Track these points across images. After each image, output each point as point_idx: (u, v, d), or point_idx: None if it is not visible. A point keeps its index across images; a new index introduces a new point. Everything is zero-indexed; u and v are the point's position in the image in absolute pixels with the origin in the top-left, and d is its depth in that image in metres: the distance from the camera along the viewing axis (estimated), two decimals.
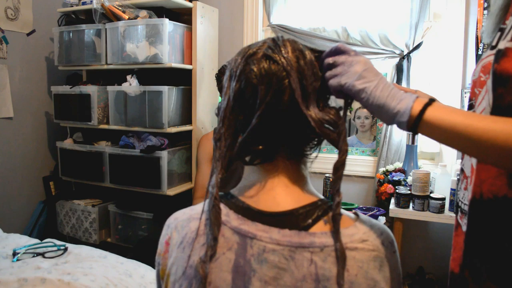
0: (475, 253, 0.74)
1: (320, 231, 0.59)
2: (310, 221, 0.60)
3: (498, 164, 0.60)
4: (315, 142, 0.66)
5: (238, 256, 0.57)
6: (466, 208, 0.79)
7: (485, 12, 2.02)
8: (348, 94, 0.62)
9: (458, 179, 0.86)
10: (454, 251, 0.87)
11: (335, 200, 0.60)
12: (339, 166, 0.60)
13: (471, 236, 0.76)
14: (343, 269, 0.56)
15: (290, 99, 0.60)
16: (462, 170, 0.83)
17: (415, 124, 0.58)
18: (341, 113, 0.63)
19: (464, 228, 0.80)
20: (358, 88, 0.60)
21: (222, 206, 0.62)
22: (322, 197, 0.65)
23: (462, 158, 0.85)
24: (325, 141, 0.65)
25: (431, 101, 0.59)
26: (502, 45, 0.67)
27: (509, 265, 0.68)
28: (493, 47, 0.75)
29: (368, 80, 0.60)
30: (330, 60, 0.63)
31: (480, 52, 2.05)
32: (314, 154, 0.67)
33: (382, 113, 0.60)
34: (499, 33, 0.74)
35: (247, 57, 0.63)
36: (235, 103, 0.62)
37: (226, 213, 0.61)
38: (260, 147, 0.62)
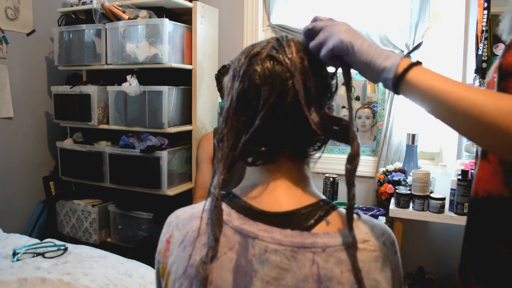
0: (467, 255, 0.73)
1: (322, 231, 0.58)
2: (312, 221, 0.59)
3: (469, 136, 0.58)
4: (319, 144, 0.66)
5: (239, 256, 0.57)
6: None
7: (485, 12, 2.02)
8: (342, 60, 0.61)
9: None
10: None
11: (350, 193, 0.59)
12: (354, 156, 0.58)
13: (465, 237, 0.75)
14: (356, 262, 0.56)
15: (293, 100, 0.60)
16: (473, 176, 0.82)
17: (398, 82, 0.57)
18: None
19: None
20: (345, 42, 0.59)
21: (223, 205, 0.61)
22: (324, 197, 0.65)
23: (475, 165, 0.83)
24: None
25: (418, 62, 0.58)
26: (509, 38, 0.67)
27: (498, 267, 0.66)
28: (509, 46, 0.74)
29: (354, 36, 0.59)
30: (309, 25, 0.63)
31: (480, 52, 2.05)
32: (317, 155, 0.67)
33: (369, 70, 0.59)
34: None
35: (251, 57, 0.62)
36: (238, 104, 0.62)
37: (228, 212, 0.61)
38: (263, 148, 0.62)
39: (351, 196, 0.59)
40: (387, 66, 0.57)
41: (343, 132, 0.61)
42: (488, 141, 0.55)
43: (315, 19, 0.64)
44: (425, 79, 0.56)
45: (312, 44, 0.62)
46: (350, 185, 0.59)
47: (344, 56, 0.60)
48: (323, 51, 0.61)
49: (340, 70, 0.64)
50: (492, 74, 0.76)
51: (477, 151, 0.83)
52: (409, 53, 2.18)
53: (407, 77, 0.56)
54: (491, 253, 0.67)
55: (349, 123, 0.60)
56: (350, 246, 0.57)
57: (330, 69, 0.67)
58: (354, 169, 0.59)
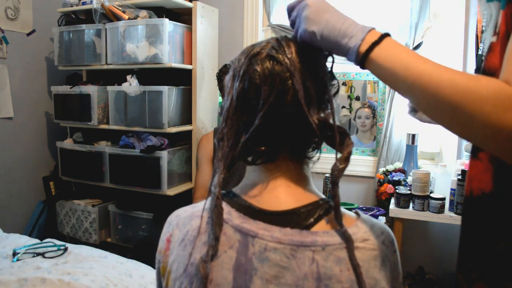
0: (467, 254, 0.73)
1: (322, 230, 0.59)
2: (311, 220, 0.60)
3: (428, 114, 0.58)
4: (318, 144, 0.66)
5: (239, 254, 0.57)
6: None
7: (484, 19, 2.02)
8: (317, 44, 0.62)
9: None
10: None
11: (335, 190, 0.60)
12: (347, 158, 0.59)
13: (463, 236, 0.75)
14: (355, 257, 0.56)
15: (293, 100, 0.60)
16: None
17: (362, 62, 0.58)
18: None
19: None
20: (309, 31, 0.60)
21: (224, 204, 0.62)
22: (323, 196, 0.65)
23: None
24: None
25: (382, 37, 0.58)
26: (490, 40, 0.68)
27: (499, 264, 0.67)
28: None
29: (316, 21, 0.60)
30: (290, 21, 0.66)
31: (480, 52, 2.05)
32: (316, 155, 0.67)
33: (336, 51, 0.61)
34: None
35: (251, 57, 0.63)
36: (238, 103, 0.62)
37: (228, 211, 0.61)
38: (263, 148, 0.62)
39: (335, 193, 0.60)
40: (351, 46, 0.58)
41: (341, 137, 0.61)
42: (443, 118, 0.55)
43: (288, 9, 0.67)
44: (386, 58, 0.56)
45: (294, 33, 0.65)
46: (336, 184, 0.60)
47: (312, 44, 0.62)
48: (298, 36, 0.63)
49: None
50: None
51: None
52: None
53: (370, 57, 0.57)
54: (491, 250, 0.67)
55: (347, 134, 0.62)
56: (349, 244, 0.57)
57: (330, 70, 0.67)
58: (343, 170, 0.59)
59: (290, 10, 0.66)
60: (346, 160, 0.59)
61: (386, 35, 0.58)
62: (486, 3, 0.75)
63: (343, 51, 0.59)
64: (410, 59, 0.55)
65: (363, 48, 0.57)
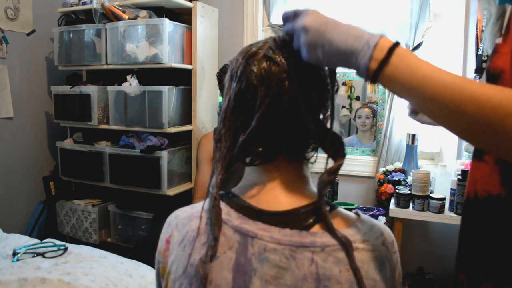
0: (471, 255, 0.73)
1: (321, 231, 0.59)
2: (311, 220, 0.59)
3: (453, 131, 0.55)
4: (315, 144, 0.66)
5: (239, 255, 0.57)
6: None
7: (484, 19, 2.02)
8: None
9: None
10: None
11: (322, 200, 0.60)
12: (336, 170, 0.59)
13: (465, 237, 0.75)
14: (354, 261, 0.56)
15: (290, 101, 0.60)
16: None
17: (374, 80, 0.55)
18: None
19: None
20: (311, 59, 0.58)
21: (223, 205, 0.61)
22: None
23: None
24: None
25: (391, 51, 0.54)
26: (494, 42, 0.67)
27: (508, 263, 0.67)
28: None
29: (318, 45, 0.56)
30: (285, 35, 0.62)
31: (480, 52, 2.05)
32: (315, 156, 0.67)
33: (344, 66, 0.57)
34: None
35: (248, 57, 0.62)
36: (236, 104, 0.62)
37: (227, 212, 0.61)
38: (261, 148, 0.62)
39: (322, 203, 0.60)
40: (360, 65, 0.55)
41: (336, 147, 0.61)
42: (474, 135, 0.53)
43: (284, 18, 0.63)
44: (398, 75, 0.53)
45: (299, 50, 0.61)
46: (323, 195, 0.60)
47: (320, 66, 0.60)
48: (304, 56, 0.60)
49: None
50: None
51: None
52: None
53: (381, 77, 0.54)
54: (499, 251, 0.67)
55: (342, 143, 0.61)
56: (347, 246, 0.57)
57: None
58: (328, 183, 0.59)
59: (285, 19, 0.63)
60: (333, 173, 0.59)
61: (395, 46, 0.54)
62: (487, 0, 0.75)
63: (352, 67, 0.56)
64: (425, 73, 0.51)
65: (373, 66, 0.54)
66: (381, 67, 0.53)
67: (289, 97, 0.60)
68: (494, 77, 0.64)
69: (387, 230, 0.64)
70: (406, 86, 0.53)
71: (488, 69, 0.66)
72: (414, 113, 1.06)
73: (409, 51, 0.55)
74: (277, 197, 0.62)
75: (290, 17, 0.61)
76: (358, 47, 0.54)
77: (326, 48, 0.56)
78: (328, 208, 0.62)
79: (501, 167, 0.67)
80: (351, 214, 0.65)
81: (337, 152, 0.60)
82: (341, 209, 0.65)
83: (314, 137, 0.61)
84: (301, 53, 0.59)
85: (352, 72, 2.47)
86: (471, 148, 2.03)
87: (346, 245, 0.56)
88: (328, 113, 0.64)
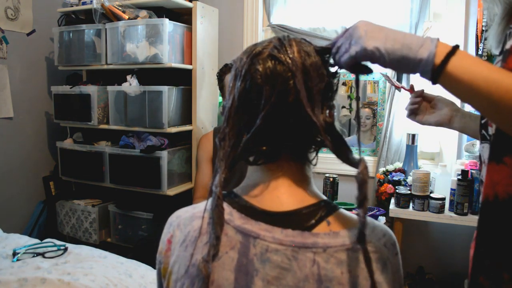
0: (492, 256, 0.72)
1: (323, 231, 0.59)
2: (313, 221, 0.59)
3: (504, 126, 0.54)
4: (319, 144, 0.65)
5: (241, 255, 0.57)
6: None
7: (484, 19, 2.02)
8: (363, 65, 0.60)
9: (479, 190, 0.83)
10: (470, 264, 0.84)
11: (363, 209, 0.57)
12: (364, 181, 0.56)
13: (484, 239, 0.74)
14: (371, 265, 0.55)
15: (295, 100, 0.59)
16: (481, 182, 0.81)
17: (437, 74, 0.53)
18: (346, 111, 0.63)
19: None
20: (370, 49, 0.57)
21: (225, 205, 0.61)
22: (325, 198, 0.65)
23: (481, 170, 0.81)
24: None
25: (455, 48, 0.53)
26: (508, 44, 0.67)
27: None
28: (501, 53, 0.73)
29: (375, 37, 0.57)
30: (333, 48, 0.62)
31: (480, 52, 2.05)
32: (316, 156, 0.67)
33: (404, 65, 0.56)
34: (505, 38, 0.73)
35: (253, 57, 0.62)
36: (240, 103, 0.62)
37: (229, 212, 0.61)
38: (264, 147, 0.62)
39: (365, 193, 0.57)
40: (423, 57, 0.54)
41: (349, 157, 0.61)
42: None
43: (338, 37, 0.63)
44: (465, 70, 0.52)
45: (338, 58, 0.61)
46: (364, 199, 0.57)
47: (373, 62, 0.59)
48: (345, 58, 0.60)
49: (344, 71, 0.64)
50: None
51: (481, 156, 0.82)
52: None
53: (447, 69, 0.53)
54: None
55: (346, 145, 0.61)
56: (351, 248, 0.57)
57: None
58: (366, 193, 0.56)
59: (336, 40, 0.63)
60: (365, 174, 0.57)
61: (457, 46, 0.54)
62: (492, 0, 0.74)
63: (412, 64, 0.55)
64: (491, 72, 0.51)
65: (438, 60, 0.53)
66: (446, 60, 0.53)
67: (294, 96, 0.59)
68: None
69: (389, 232, 0.64)
70: (470, 83, 0.52)
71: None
72: (413, 114, 1.07)
73: (469, 54, 0.54)
74: (279, 197, 0.62)
75: (341, 35, 0.61)
76: (418, 41, 0.55)
77: (383, 40, 0.56)
78: (329, 208, 0.62)
79: None
80: (353, 215, 0.65)
81: (353, 161, 0.60)
82: (343, 210, 0.65)
83: (323, 134, 0.60)
84: (347, 51, 0.59)
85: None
86: (471, 148, 2.03)
87: (364, 253, 0.55)
88: (328, 108, 0.64)
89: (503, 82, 0.50)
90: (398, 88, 1.30)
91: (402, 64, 0.56)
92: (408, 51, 0.55)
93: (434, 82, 0.56)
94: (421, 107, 1.05)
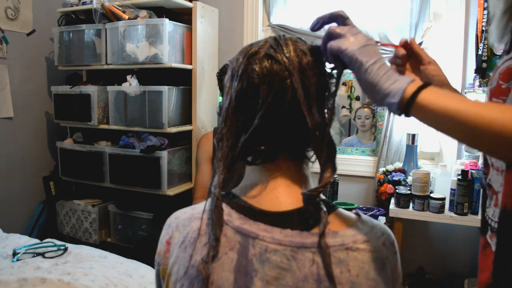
0: None
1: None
2: (312, 221, 0.59)
3: (491, 152, 0.57)
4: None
5: (240, 255, 0.57)
6: (497, 226, 0.76)
7: (485, 12, 2.02)
8: (343, 63, 0.60)
9: (485, 195, 0.82)
10: (482, 273, 0.82)
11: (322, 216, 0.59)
12: (324, 186, 0.59)
13: (506, 247, 0.73)
14: (330, 266, 0.56)
15: (292, 99, 0.60)
16: (489, 186, 0.80)
17: (408, 106, 0.55)
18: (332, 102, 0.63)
19: (493, 248, 0.76)
20: (358, 58, 0.58)
21: (224, 206, 0.61)
22: (324, 197, 0.65)
23: (487, 173, 0.81)
24: None
25: (427, 84, 0.56)
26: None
27: None
28: (509, 51, 0.72)
29: (369, 54, 0.58)
30: (337, 30, 0.62)
31: (480, 52, 2.05)
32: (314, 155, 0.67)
33: (374, 92, 0.58)
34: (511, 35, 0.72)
35: (249, 56, 0.62)
36: (237, 103, 0.62)
37: (228, 212, 0.61)
38: (262, 147, 0.62)
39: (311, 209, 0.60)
40: (393, 90, 0.56)
41: (328, 156, 0.61)
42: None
43: (338, 15, 0.66)
44: (436, 101, 0.54)
45: (330, 43, 0.62)
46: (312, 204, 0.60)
47: (352, 71, 0.60)
48: (334, 44, 0.60)
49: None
50: (496, 81, 0.74)
51: (487, 158, 0.81)
52: None
53: (417, 101, 0.55)
54: None
55: (334, 150, 0.61)
56: (350, 247, 0.57)
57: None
58: (315, 197, 0.59)
59: (335, 19, 0.65)
60: (321, 188, 0.59)
61: (429, 83, 0.56)
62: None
63: (382, 94, 0.57)
64: (460, 102, 0.54)
65: (409, 92, 0.55)
66: (416, 93, 0.55)
67: (291, 96, 0.59)
68: None
69: (387, 231, 0.64)
70: (439, 113, 0.54)
71: None
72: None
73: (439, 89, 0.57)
74: (278, 197, 0.62)
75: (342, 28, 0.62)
76: (397, 77, 0.57)
77: (369, 63, 0.57)
78: (328, 208, 0.62)
79: None
80: (352, 214, 0.65)
81: (327, 163, 0.60)
82: (341, 209, 0.65)
83: (312, 136, 0.60)
84: (340, 46, 0.60)
85: (352, 72, 2.47)
86: (471, 148, 2.03)
87: (323, 248, 0.56)
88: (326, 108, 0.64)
89: (473, 110, 0.53)
90: (394, 46, 1.20)
91: (373, 89, 0.58)
92: (383, 81, 0.57)
93: (404, 114, 0.57)
94: (407, 66, 0.83)
